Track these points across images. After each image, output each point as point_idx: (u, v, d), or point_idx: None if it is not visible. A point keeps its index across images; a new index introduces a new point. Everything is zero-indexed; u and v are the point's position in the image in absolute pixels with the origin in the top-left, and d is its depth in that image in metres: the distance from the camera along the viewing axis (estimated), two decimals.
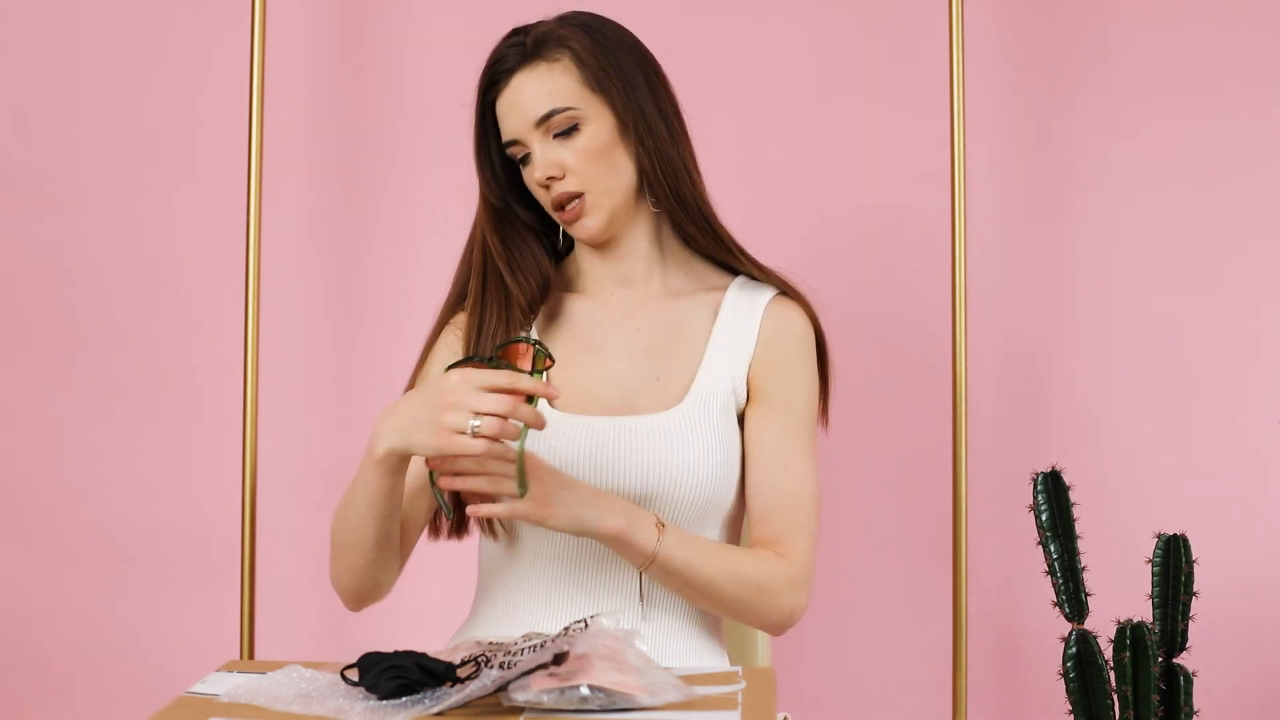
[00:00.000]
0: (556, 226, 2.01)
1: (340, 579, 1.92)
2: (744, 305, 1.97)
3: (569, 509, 1.75)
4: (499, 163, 1.98)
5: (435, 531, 2.01)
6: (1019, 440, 2.81)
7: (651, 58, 1.97)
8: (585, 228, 1.93)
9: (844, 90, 2.85)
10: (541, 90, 1.89)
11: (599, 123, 1.90)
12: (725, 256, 2.00)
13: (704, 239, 1.98)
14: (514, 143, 1.92)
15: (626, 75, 1.92)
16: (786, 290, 2.00)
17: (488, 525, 1.95)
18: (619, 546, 1.80)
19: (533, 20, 1.97)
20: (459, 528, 2.01)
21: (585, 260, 2.01)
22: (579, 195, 1.91)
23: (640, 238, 1.98)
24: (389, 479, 1.77)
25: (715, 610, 1.90)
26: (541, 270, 1.99)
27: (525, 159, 1.93)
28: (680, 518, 1.88)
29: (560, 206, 1.92)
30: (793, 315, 1.97)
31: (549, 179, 1.91)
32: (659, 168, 1.92)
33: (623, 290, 1.99)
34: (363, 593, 1.93)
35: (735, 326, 1.95)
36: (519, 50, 1.91)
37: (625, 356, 1.95)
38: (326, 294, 2.88)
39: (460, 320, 1.99)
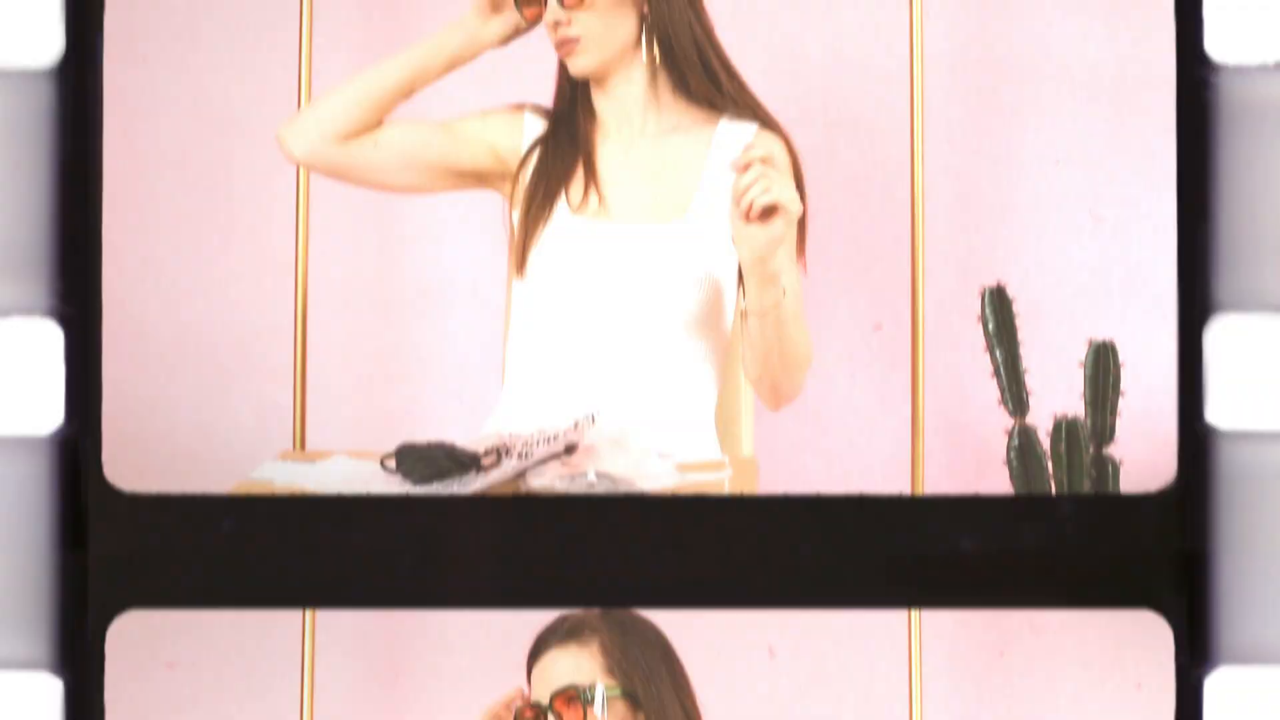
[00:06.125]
0: None
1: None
2: (731, 139, 2.05)
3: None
4: None
5: None
6: (971, 262, 2.80)
7: None
8: (575, 65, 2.03)
9: None
10: None
11: None
12: (717, 100, 2.08)
13: (699, 86, 2.06)
14: None
15: None
16: (769, 123, 2.07)
17: None
18: (770, 275, 1.90)
19: None
20: None
21: (592, 95, 2.11)
22: (575, 40, 2.02)
23: (634, 83, 2.06)
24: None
25: (773, 360, 1.96)
26: None
27: None
28: (686, 324, 2.01)
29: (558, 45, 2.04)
30: (776, 147, 2.04)
31: (555, 22, 2.01)
32: (663, 26, 2.03)
33: (622, 128, 2.07)
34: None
35: (727, 157, 1.99)
36: None
37: (624, 183, 2.06)
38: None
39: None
